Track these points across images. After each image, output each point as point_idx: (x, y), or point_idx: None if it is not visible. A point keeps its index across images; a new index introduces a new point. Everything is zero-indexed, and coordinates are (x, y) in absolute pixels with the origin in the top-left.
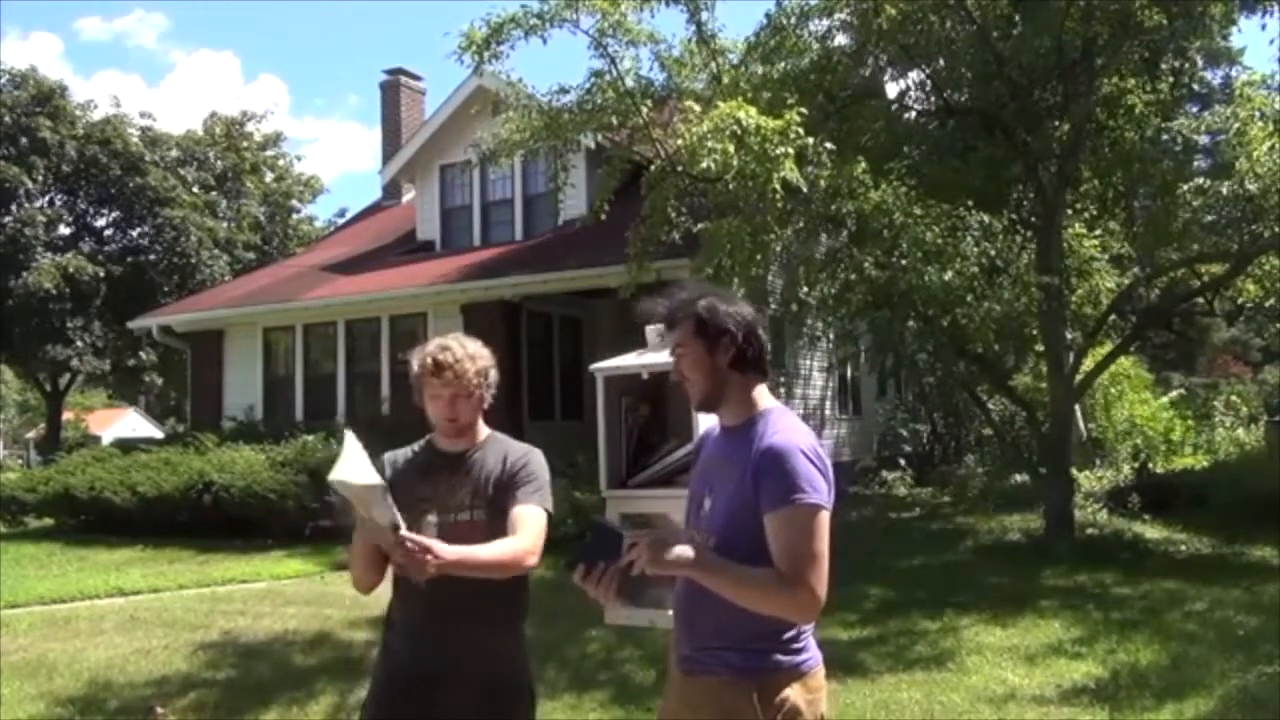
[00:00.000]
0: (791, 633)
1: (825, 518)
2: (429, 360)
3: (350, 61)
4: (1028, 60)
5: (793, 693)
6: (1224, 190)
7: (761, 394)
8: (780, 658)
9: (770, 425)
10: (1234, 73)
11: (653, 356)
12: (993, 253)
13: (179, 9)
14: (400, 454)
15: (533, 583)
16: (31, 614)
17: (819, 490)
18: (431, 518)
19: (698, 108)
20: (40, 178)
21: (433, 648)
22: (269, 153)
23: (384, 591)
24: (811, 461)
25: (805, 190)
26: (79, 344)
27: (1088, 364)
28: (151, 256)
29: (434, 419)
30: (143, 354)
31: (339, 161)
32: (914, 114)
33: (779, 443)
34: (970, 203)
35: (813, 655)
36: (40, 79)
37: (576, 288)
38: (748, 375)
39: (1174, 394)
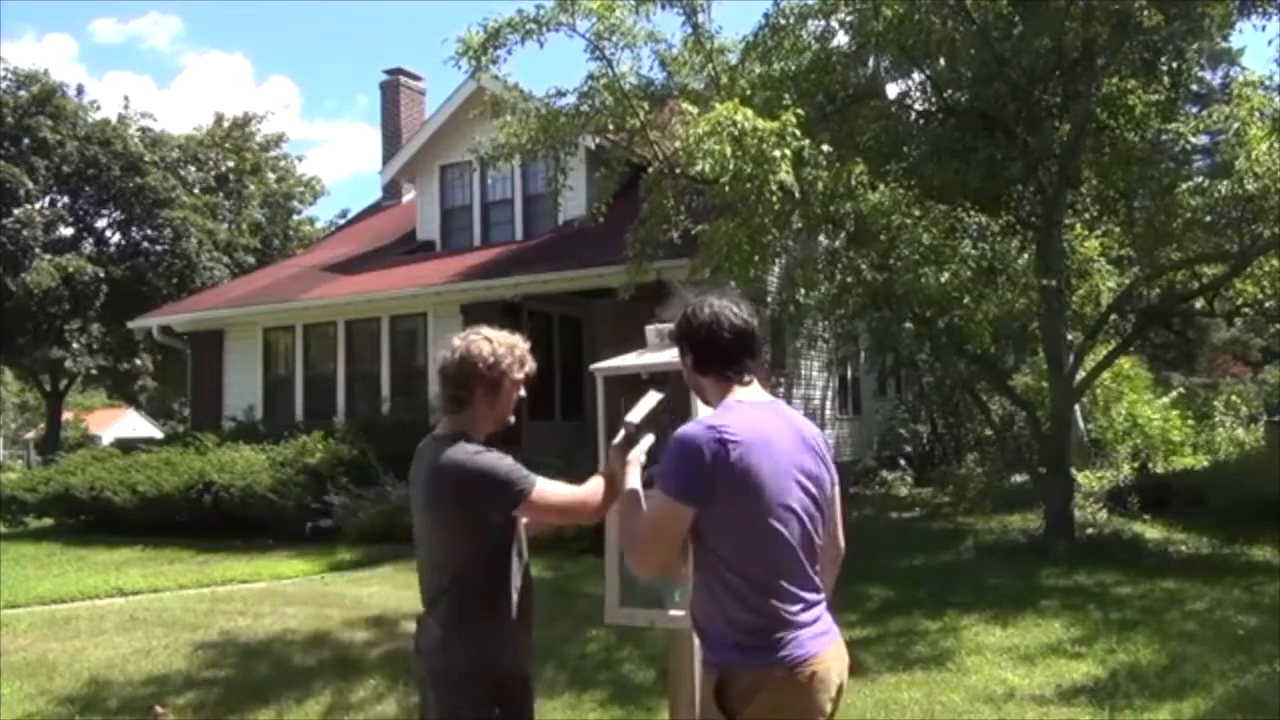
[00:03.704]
0: (756, 631)
1: (661, 504)
2: (530, 362)
3: (360, 63)
4: (1028, 60)
5: (753, 692)
6: (1222, 190)
7: (742, 391)
8: (740, 655)
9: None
10: (1233, 73)
11: (653, 356)
12: (990, 254)
13: (193, 11)
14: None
15: (533, 582)
16: (31, 614)
17: (670, 481)
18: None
19: (694, 110)
20: (41, 178)
21: (526, 648)
22: (270, 154)
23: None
24: (686, 449)
25: (799, 194)
26: (75, 345)
27: (1088, 364)
28: (151, 258)
29: (501, 416)
30: (138, 360)
31: (349, 163)
32: (914, 114)
33: (675, 433)
34: (969, 203)
35: (787, 654)
36: (43, 79)
37: (576, 288)
38: (711, 376)
39: (1173, 394)
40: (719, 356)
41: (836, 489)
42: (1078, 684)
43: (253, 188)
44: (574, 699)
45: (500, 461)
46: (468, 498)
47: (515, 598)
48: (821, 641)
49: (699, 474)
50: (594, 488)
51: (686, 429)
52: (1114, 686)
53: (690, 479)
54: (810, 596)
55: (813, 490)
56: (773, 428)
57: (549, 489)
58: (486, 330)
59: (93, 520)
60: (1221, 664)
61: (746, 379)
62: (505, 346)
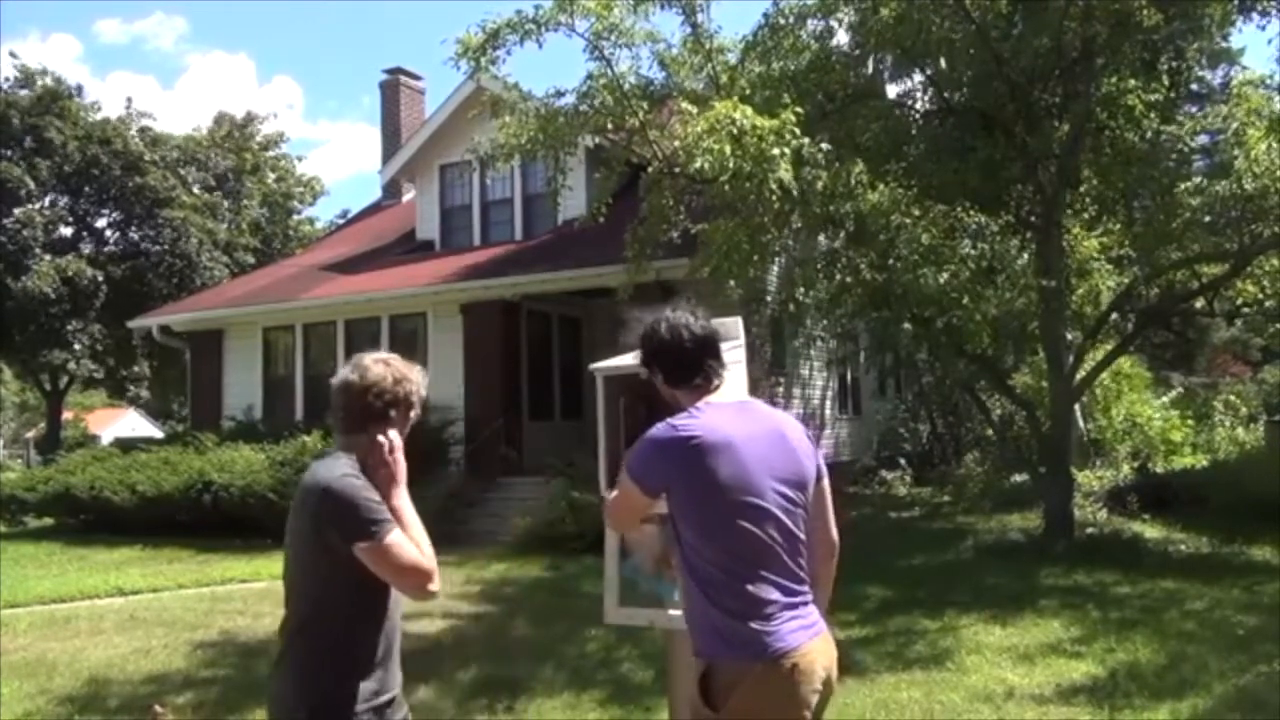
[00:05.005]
0: (734, 618)
1: (625, 484)
2: (422, 393)
3: (363, 63)
4: (1027, 60)
5: (735, 685)
6: (1221, 190)
7: (711, 396)
8: (723, 647)
9: None
10: (1233, 72)
11: None
12: (989, 254)
13: (198, 12)
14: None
15: (532, 582)
16: (31, 613)
17: (631, 468)
18: None
19: (694, 109)
20: (43, 178)
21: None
22: (270, 154)
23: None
24: (645, 444)
25: (798, 193)
26: (78, 347)
27: (1087, 364)
28: (151, 258)
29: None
30: (136, 368)
31: (351, 163)
32: (913, 114)
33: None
34: (968, 203)
35: (766, 646)
36: (50, 77)
37: (576, 287)
38: (683, 388)
39: (1173, 394)
40: (685, 366)
41: (825, 483)
42: (1077, 683)
43: (252, 187)
44: (573, 698)
45: (364, 492)
46: (323, 517)
47: (383, 641)
48: (803, 634)
49: (652, 466)
50: (432, 565)
51: (652, 429)
52: (1113, 686)
53: (645, 469)
54: (792, 588)
55: (790, 484)
56: (739, 426)
57: (401, 542)
58: (385, 354)
59: (92, 520)
60: (1221, 663)
61: (715, 383)
62: (400, 373)
